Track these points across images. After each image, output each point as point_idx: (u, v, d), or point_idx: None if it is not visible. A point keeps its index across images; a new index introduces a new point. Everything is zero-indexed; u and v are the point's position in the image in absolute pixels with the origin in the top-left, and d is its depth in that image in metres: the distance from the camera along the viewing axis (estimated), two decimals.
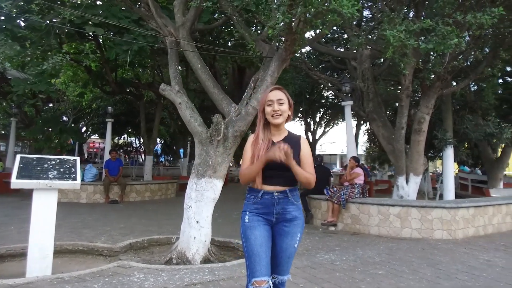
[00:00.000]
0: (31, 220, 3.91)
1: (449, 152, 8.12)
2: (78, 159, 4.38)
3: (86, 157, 33.03)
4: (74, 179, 4.09)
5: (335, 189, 7.21)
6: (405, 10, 6.67)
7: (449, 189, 8.01)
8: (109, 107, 12.62)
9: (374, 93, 7.77)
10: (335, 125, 25.19)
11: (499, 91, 8.59)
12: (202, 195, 5.04)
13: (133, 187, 11.16)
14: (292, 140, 2.30)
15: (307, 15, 4.24)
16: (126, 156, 26.11)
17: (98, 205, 9.67)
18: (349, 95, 8.44)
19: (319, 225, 7.38)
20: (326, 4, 4.02)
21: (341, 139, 34.27)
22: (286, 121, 2.34)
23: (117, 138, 22.40)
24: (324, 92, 20.52)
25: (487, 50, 6.54)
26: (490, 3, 5.11)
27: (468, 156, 9.45)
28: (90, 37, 11.23)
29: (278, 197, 2.25)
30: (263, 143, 2.27)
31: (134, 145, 24.34)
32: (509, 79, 12.20)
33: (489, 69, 6.70)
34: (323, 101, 21.27)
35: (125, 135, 23.57)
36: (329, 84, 11.40)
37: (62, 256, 5.01)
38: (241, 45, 11.91)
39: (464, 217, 6.57)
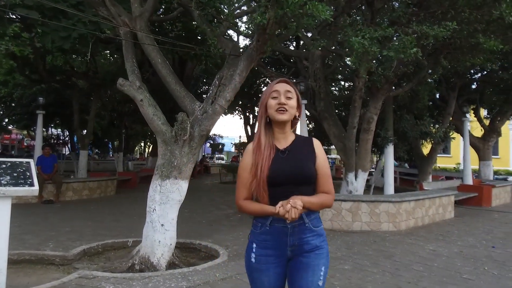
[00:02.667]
0: None
1: (390, 150, 8.77)
2: (31, 161, 3.94)
3: (0, 150, 29.84)
4: (31, 184, 3.68)
5: None
6: (361, 17, 6.99)
7: (390, 184, 8.67)
8: (40, 98, 11.41)
9: (325, 93, 8.07)
10: None
11: (437, 93, 9.44)
12: (167, 197, 4.85)
13: (69, 185, 10.31)
14: (303, 146, 1.88)
15: (282, 17, 4.25)
16: (49, 149, 24.04)
17: (31, 206, 8.79)
18: (303, 94, 8.67)
19: None
20: (301, 10, 4.06)
21: None
22: (292, 124, 1.91)
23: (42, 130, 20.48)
24: (264, 87, 20.82)
25: (429, 57, 7.17)
26: (442, 15, 5.60)
27: (404, 152, 10.32)
28: (17, 20, 10.06)
29: (292, 225, 1.76)
30: (266, 150, 1.81)
31: (61, 138, 22.47)
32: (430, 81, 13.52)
33: (432, 74, 7.38)
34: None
35: (50, 127, 21.61)
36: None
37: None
38: (183, 37, 11.53)
39: (407, 210, 7.15)
